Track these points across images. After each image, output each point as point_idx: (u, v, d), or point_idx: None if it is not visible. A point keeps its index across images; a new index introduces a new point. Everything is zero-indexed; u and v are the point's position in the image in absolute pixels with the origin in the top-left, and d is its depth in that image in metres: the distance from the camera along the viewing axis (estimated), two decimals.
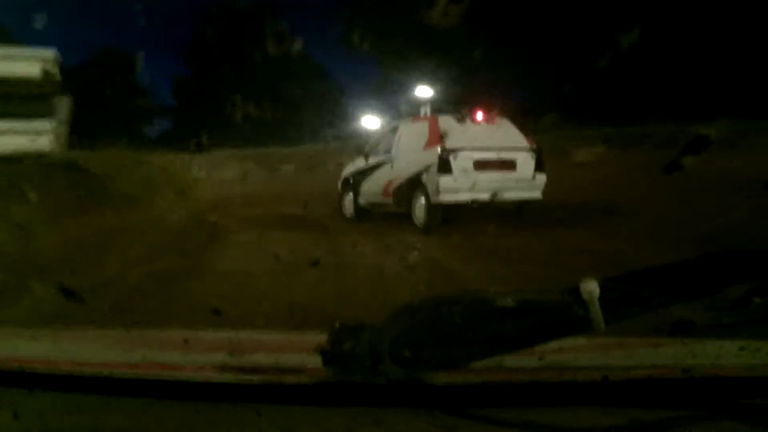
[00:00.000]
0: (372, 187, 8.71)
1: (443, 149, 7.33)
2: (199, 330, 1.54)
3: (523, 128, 8.12)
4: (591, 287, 0.85)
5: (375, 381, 0.91)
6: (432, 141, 7.61)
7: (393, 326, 0.91)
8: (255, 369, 1.02)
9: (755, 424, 0.86)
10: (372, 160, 8.79)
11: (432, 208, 7.35)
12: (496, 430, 0.87)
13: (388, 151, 8.56)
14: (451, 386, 0.94)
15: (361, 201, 9.01)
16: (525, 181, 7.47)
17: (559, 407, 0.90)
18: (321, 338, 0.96)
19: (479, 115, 7.90)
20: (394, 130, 8.71)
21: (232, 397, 0.93)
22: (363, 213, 8.97)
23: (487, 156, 7.44)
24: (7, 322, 2.72)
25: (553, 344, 0.97)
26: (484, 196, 7.09)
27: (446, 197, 7.22)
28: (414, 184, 7.68)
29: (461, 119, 7.86)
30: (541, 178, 7.59)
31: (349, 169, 9.41)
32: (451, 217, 7.23)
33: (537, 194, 7.53)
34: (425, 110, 9.03)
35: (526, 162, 7.58)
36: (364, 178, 8.92)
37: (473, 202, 7.09)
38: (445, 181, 7.23)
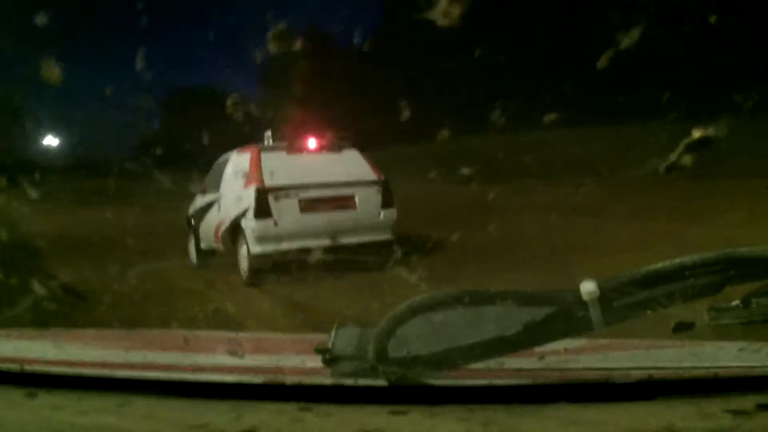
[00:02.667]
0: (206, 230, 7.27)
1: (260, 189, 6.04)
2: (199, 330, 1.54)
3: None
4: (591, 288, 0.85)
5: (375, 382, 0.91)
6: (252, 178, 6.28)
7: (393, 326, 0.91)
8: (255, 369, 1.02)
9: (756, 425, 0.86)
10: (207, 197, 7.40)
11: (254, 258, 5.98)
12: (496, 431, 0.87)
13: (216, 187, 7.19)
14: (451, 387, 0.94)
15: (203, 245, 7.49)
16: (368, 221, 6.25)
17: (559, 408, 0.90)
18: (321, 339, 0.96)
19: (311, 143, 6.66)
20: (225, 162, 7.24)
21: (232, 397, 0.93)
22: (206, 257, 7.36)
23: (318, 194, 6.21)
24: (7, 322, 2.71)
25: (554, 345, 0.97)
26: (317, 242, 5.78)
27: (266, 247, 5.92)
28: (235, 229, 6.41)
29: (290, 149, 6.60)
30: (390, 215, 6.47)
31: (193, 205, 7.87)
32: (289, 267, 5.48)
33: (386, 235, 6.28)
34: (268, 136, 7.04)
35: (369, 198, 6.39)
36: (201, 218, 7.45)
37: (303, 250, 5.58)
38: (263, 226, 5.96)
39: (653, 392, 0.93)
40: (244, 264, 6.20)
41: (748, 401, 0.90)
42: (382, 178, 6.69)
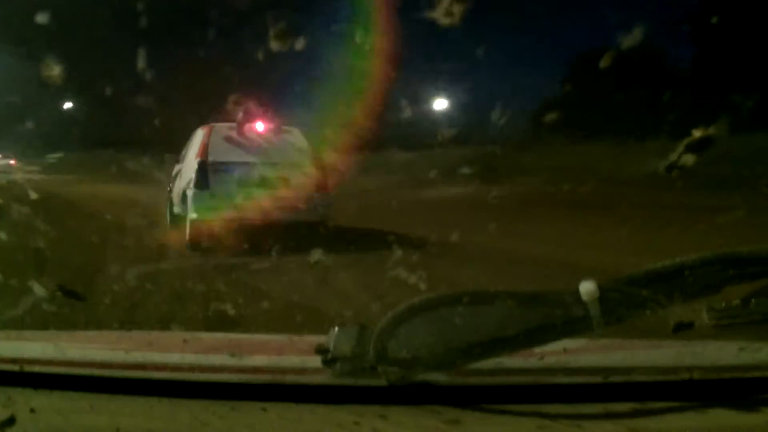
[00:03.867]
0: (175, 195, 7.65)
1: (201, 162, 6.57)
2: (199, 331, 1.54)
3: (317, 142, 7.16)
4: (591, 288, 0.85)
5: (375, 382, 0.91)
6: (199, 152, 6.79)
7: (393, 326, 0.90)
8: (255, 369, 1.02)
9: (756, 425, 0.86)
10: (177, 167, 8.02)
11: (191, 223, 6.37)
12: (496, 431, 0.87)
13: (182, 159, 7.79)
14: (451, 387, 0.94)
15: (174, 209, 7.61)
16: (302, 202, 6.43)
17: (559, 408, 0.90)
18: (321, 339, 0.96)
19: (259, 126, 7.03)
20: (193, 136, 7.69)
21: (232, 397, 0.93)
22: (177, 220, 7.31)
23: (257, 172, 6.60)
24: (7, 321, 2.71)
25: (554, 345, 0.97)
26: (252, 216, 6.20)
27: (202, 215, 6.32)
28: (184, 196, 6.87)
29: (240, 129, 6.93)
30: (324, 199, 6.70)
31: (173, 173, 8.27)
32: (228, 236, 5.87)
33: (318, 217, 6.38)
34: (238, 117, 7.25)
35: (305, 180, 6.71)
36: (173, 185, 7.88)
37: (236, 221, 6.08)
38: (200, 196, 6.42)
39: (653, 392, 0.93)
40: (186, 228, 6.55)
41: (749, 401, 0.90)
42: (322, 163, 7.09)
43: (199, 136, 7.30)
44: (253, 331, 2.90)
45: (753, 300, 0.87)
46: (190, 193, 6.63)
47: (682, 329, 0.94)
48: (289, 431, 0.86)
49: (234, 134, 6.95)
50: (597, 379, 0.95)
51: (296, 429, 0.86)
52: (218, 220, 6.23)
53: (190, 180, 6.69)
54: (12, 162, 22.49)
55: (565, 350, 1.05)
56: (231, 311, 3.39)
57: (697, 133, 1.65)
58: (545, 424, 0.86)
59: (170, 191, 8.04)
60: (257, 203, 6.39)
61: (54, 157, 23.49)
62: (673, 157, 1.64)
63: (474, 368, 0.93)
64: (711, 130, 1.66)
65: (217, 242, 5.93)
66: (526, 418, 0.88)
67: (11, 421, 0.88)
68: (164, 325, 3.34)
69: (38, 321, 2.47)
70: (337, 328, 0.95)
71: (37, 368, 1.01)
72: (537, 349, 0.97)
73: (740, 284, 0.86)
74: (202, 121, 7.75)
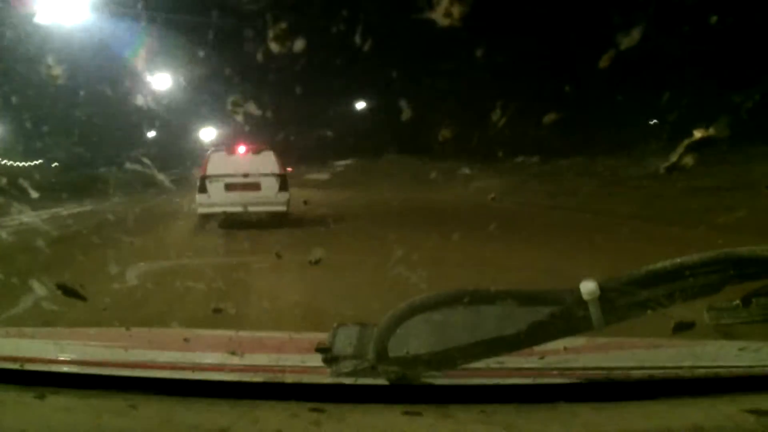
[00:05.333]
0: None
1: (203, 176, 10.09)
2: (199, 330, 1.54)
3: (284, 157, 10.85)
4: (591, 288, 0.85)
5: (375, 381, 0.91)
6: (202, 169, 10.32)
7: (393, 326, 0.90)
8: (256, 368, 1.02)
9: (756, 425, 0.86)
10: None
11: (199, 215, 10.12)
12: (496, 430, 0.87)
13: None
14: (452, 386, 0.94)
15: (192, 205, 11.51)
16: (269, 198, 9.88)
17: (559, 407, 0.90)
18: (321, 338, 0.96)
19: (240, 149, 10.44)
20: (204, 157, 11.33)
21: (232, 395, 0.93)
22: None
23: (236, 180, 9.96)
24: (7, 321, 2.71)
25: (554, 344, 0.97)
26: (235, 209, 9.73)
27: (204, 210, 9.99)
28: (194, 198, 10.48)
29: (228, 152, 10.43)
30: (284, 196, 10.03)
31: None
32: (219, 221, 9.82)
33: (281, 208, 9.98)
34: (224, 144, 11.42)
35: (270, 184, 10.00)
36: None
37: (225, 213, 9.76)
38: (201, 198, 10.05)
39: (653, 392, 0.93)
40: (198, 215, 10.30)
41: (748, 401, 0.90)
42: (282, 171, 10.28)
43: (205, 158, 10.75)
44: (257, 328, 2.93)
45: (753, 300, 0.87)
46: (196, 196, 10.21)
47: (682, 329, 0.94)
48: (289, 429, 0.86)
49: (225, 154, 10.40)
50: (597, 379, 0.95)
51: (296, 427, 0.86)
52: (215, 212, 9.91)
53: (198, 187, 10.19)
54: (288, 169, 23.10)
55: (565, 349, 1.05)
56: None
57: (697, 134, 1.65)
58: (545, 424, 0.87)
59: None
60: (239, 200, 9.84)
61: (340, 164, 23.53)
62: (673, 157, 1.64)
63: (474, 368, 0.93)
64: (711, 130, 1.66)
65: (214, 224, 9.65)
66: (526, 418, 0.88)
67: (12, 418, 0.88)
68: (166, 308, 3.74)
69: None
70: (338, 327, 0.96)
71: (37, 366, 1.01)
72: (537, 349, 0.97)
73: (740, 284, 0.86)
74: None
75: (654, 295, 0.86)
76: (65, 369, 1.04)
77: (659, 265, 0.87)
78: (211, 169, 10.17)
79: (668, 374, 0.98)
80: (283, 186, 10.12)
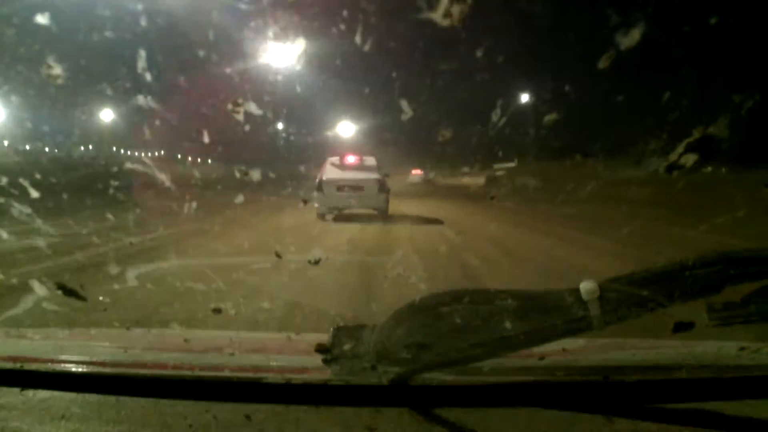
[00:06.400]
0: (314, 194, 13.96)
1: (320, 179, 12.34)
2: (199, 330, 1.54)
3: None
4: (591, 288, 0.85)
5: (375, 381, 0.91)
6: (320, 173, 12.62)
7: (393, 326, 0.90)
8: (256, 368, 1.02)
9: (756, 425, 0.86)
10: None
11: (317, 210, 12.04)
12: (496, 431, 0.87)
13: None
14: (451, 386, 0.94)
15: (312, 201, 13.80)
16: (371, 198, 12.24)
17: (559, 407, 0.90)
18: (321, 339, 0.96)
19: (350, 158, 13.08)
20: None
21: (232, 396, 0.93)
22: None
23: (345, 183, 12.31)
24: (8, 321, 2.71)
25: (554, 345, 0.97)
26: (344, 205, 12.02)
27: (320, 206, 11.96)
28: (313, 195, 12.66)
29: (340, 160, 12.95)
30: (382, 197, 12.28)
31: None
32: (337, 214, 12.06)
33: (381, 206, 12.26)
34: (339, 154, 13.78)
35: (372, 186, 12.33)
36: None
37: (337, 209, 11.96)
38: (318, 196, 12.09)
39: (653, 393, 0.93)
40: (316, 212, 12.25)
41: (748, 401, 0.90)
42: (381, 177, 12.46)
43: (323, 162, 13.13)
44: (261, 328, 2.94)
45: (753, 300, 0.87)
46: (314, 194, 12.22)
47: (682, 329, 0.94)
48: (289, 430, 0.86)
49: (338, 162, 12.89)
50: (597, 379, 0.95)
51: (296, 428, 0.86)
52: (328, 207, 11.96)
53: (316, 188, 12.36)
54: (418, 172, 23.07)
55: (564, 350, 1.05)
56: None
57: (697, 133, 1.65)
58: (545, 424, 0.87)
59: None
60: (347, 198, 12.07)
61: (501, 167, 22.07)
62: (673, 157, 1.64)
63: (474, 368, 0.93)
64: (711, 130, 1.66)
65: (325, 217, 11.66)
66: (526, 418, 0.88)
67: (12, 418, 0.88)
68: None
69: None
70: (337, 328, 0.95)
71: (36, 367, 1.01)
72: (537, 349, 0.97)
73: (740, 284, 0.86)
74: None
75: (654, 295, 0.86)
76: (65, 369, 1.04)
77: (659, 265, 0.87)
78: (327, 173, 12.66)
79: (668, 375, 0.98)
80: (382, 188, 12.45)
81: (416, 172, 26.45)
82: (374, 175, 12.70)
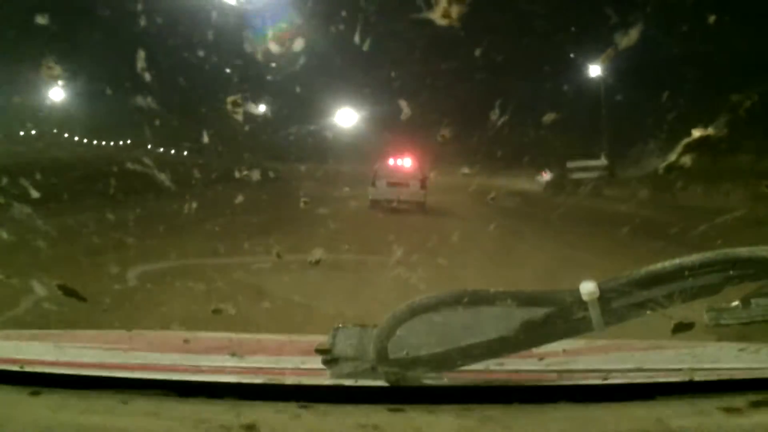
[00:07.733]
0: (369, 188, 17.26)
1: (374, 176, 15.57)
2: (199, 331, 1.54)
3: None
4: (591, 288, 0.85)
5: (375, 382, 0.91)
6: (374, 171, 15.87)
7: (393, 326, 0.90)
8: (256, 369, 1.02)
9: (755, 425, 0.86)
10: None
11: (370, 200, 14.94)
12: (496, 431, 0.87)
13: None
14: (451, 387, 0.94)
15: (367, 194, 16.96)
16: (414, 193, 15.19)
17: (560, 409, 0.90)
18: (321, 339, 0.96)
19: (398, 160, 16.46)
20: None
21: (232, 397, 0.93)
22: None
23: (393, 180, 15.45)
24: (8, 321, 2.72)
25: (554, 346, 0.97)
26: (392, 197, 14.70)
27: (372, 196, 14.93)
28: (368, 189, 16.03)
29: (390, 161, 16.45)
30: (423, 192, 15.25)
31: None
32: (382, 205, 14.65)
33: (421, 199, 15.10)
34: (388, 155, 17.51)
35: (415, 183, 15.40)
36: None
37: (387, 200, 14.58)
38: (371, 190, 15.23)
39: (653, 393, 0.93)
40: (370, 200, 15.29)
41: (748, 402, 0.90)
42: (423, 176, 15.54)
43: (377, 164, 16.50)
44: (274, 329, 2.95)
45: (753, 300, 0.87)
46: (368, 188, 15.39)
47: (682, 329, 0.94)
48: (289, 431, 0.86)
49: (388, 163, 16.34)
50: (597, 379, 0.95)
51: (297, 429, 0.86)
52: (379, 199, 14.73)
53: (370, 182, 15.57)
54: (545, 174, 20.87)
55: (564, 351, 1.05)
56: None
57: (696, 133, 1.65)
58: (545, 425, 0.86)
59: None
60: (395, 192, 15.00)
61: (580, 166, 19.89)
62: (672, 157, 1.65)
63: (474, 368, 0.93)
64: (710, 130, 1.66)
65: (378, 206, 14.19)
66: (526, 418, 0.88)
67: (12, 420, 0.88)
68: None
69: None
70: (337, 329, 0.95)
71: (37, 368, 1.01)
72: (537, 350, 0.97)
73: (740, 284, 0.86)
74: None
75: (653, 296, 0.86)
76: (65, 371, 1.04)
77: (659, 265, 0.87)
78: (379, 171, 15.88)
79: (668, 375, 0.98)
80: (423, 186, 15.42)
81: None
82: (417, 175, 15.93)
